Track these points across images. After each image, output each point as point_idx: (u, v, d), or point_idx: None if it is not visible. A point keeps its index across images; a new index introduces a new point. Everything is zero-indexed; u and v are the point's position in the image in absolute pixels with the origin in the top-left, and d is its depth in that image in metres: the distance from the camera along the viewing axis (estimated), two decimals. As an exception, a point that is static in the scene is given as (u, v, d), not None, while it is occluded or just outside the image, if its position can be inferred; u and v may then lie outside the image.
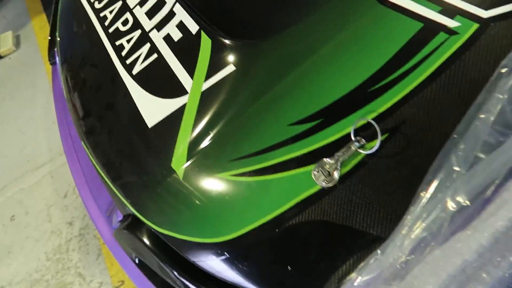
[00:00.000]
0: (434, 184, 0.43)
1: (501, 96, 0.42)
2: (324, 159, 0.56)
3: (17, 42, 2.61)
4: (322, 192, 0.55)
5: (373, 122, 0.53)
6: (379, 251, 0.44)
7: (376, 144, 0.53)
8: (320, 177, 0.56)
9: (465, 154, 0.42)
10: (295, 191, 0.57)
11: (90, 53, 0.99)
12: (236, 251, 0.58)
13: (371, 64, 0.59)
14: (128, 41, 0.88)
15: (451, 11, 0.57)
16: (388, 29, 0.60)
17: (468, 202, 0.41)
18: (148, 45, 0.83)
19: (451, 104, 0.53)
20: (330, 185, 0.55)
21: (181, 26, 0.79)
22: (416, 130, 0.54)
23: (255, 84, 0.66)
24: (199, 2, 0.79)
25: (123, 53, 0.88)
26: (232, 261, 0.59)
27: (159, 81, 0.78)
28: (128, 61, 0.85)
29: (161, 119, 0.74)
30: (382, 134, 0.53)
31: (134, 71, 0.83)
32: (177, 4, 0.80)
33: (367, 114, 0.56)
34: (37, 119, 2.11)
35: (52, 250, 1.44)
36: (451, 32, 0.55)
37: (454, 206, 0.41)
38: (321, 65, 0.62)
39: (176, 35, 0.79)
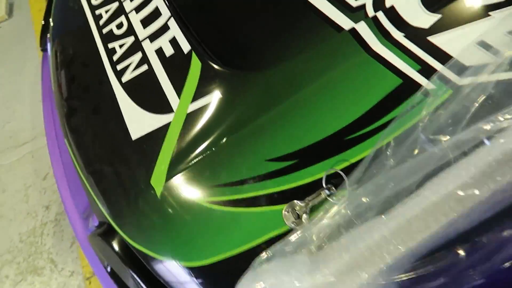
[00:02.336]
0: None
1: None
2: (295, 201, 0.59)
3: (9, 11, 2.55)
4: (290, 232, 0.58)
5: (342, 174, 0.56)
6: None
7: (345, 195, 0.55)
8: (290, 218, 0.59)
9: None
10: (266, 228, 0.60)
11: (82, 50, 0.99)
12: (204, 278, 0.61)
13: (350, 112, 0.61)
14: (120, 46, 0.89)
15: (429, 72, 0.59)
16: (370, 79, 0.63)
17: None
18: (140, 55, 0.84)
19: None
20: (298, 227, 0.58)
21: (173, 42, 0.80)
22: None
23: (238, 114, 0.68)
24: (194, 20, 0.80)
25: (115, 58, 0.88)
26: (198, 287, 0.62)
27: (147, 94, 0.80)
28: (118, 67, 0.86)
29: (145, 133, 0.75)
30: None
31: (124, 79, 0.84)
32: (172, 19, 0.81)
33: (340, 162, 0.59)
34: (24, 94, 2.09)
35: (26, 232, 1.45)
36: (426, 93, 0.58)
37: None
38: (303, 105, 0.65)
39: (168, 51, 0.80)
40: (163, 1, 0.85)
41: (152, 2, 0.87)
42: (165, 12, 0.83)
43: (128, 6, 0.93)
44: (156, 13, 0.86)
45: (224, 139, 0.68)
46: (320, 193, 0.57)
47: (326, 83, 0.64)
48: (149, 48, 0.83)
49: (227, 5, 0.82)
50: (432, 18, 0.63)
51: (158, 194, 0.70)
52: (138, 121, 0.78)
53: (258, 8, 0.79)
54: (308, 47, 0.68)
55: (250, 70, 0.70)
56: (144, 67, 0.82)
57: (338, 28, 0.67)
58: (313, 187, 0.59)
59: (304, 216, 0.58)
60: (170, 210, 0.69)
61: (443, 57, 0.59)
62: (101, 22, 0.97)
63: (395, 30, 0.64)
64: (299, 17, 0.73)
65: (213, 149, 0.68)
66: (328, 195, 0.57)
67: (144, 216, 0.70)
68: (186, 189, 0.68)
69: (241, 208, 0.62)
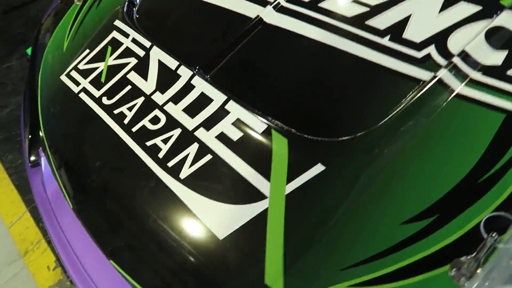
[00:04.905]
0: None
1: None
2: (461, 258, 0.54)
3: None
4: (465, 293, 0.53)
5: (507, 214, 0.54)
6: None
7: (510, 234, 0.53)
8: (460, 278, 0.54)
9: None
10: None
11: (107, 154, 0.88)
12: None
13: (470, 155, 0.61)
14: (165, 142, 0.81)
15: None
16: (472, 121, 0.64)
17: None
18: (196, 145, 0.77)
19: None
20: (470, 286, 0.53)
21: (238, 124, 0.74)
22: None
23: (351, 183, 0.64)
24: (254, 97, 0.77)
25: (161, 155, 0.79)
26: None
27: (222, 185, 0.72)
28: (170, 164, 0.77)
29: (236, 227, 0.66)
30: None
31: (182, 175, 0.75)
32: (231, 102, 0.76)
33: (486, 204, 0.57)
34: None
35: None
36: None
37: None
38: (418, 156, 0.63)
39: (234, 134, 0.74)
40: (210, 87, 0.80)
41: (194, 90, 0.82)
42: (218, 97, 0.78)
43: (160, 98, 0.86)
44: (203, 99, 0.80)
45: (345, 213, 0.62)
46: (486, 243, 0.54)
47: (430, 133, 0.64)
48: (207, 136, 0.76)
49: (282, 75, 0.80)
50: (501, 55, 0.67)
51: (280, 293, 0.60)
52: (220, 217, 0.69)
53: (309, 72, 0.79)
54: (394, 103, 0.68)
55: (344, 135, 0.67)
56: (208, 157, 0.74)
57: (417, 80, 0.69)
58: (466, 239, 0.56)
59: (479, 271, 0.53)
60: (302, 309, 0.60)
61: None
62: (127, 121, 0.88)
63: (474, 71, 0.67)
64: (366, 76, 0.74)
65: (335, 226, 0.61)
66: (495, 242, 0.54)
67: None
68: (315, 279, 0.60)
69: (393, 284, 0.56)
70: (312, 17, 0.83)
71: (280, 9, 0.88)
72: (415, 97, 0.67)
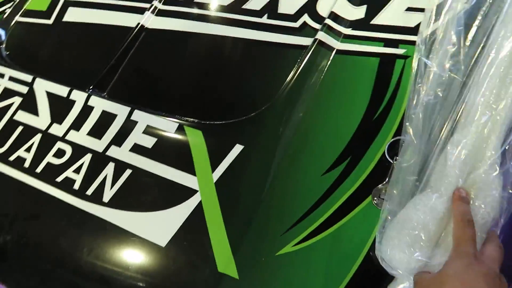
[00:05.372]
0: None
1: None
2: (378, 186, 0.61)
3: None
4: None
5: (402, 137, 0.61)
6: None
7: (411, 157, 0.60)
8: (383, 203, 0.60)
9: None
10: (369, 223, 0.60)
11: (16, 206, 0.80)
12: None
13: (361, 97, 0.68)
14: (76, 171, 0.76)
15: (392, 43, 0.72)
16: (355, 71, 0.72)
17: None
18: (111, 165, 0.74)
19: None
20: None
21: (150, 131, 0.73)
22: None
23: (270, 153, 0.67)
24: (162, 101, 0.77)
25: (76, 186, 0.75)
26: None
27: (150, 194, 0.71)
28: (89, 192, 0.73)
29: (176, 229, 0.66)
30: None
31: (106, 198, 0.72)
32: (136, 111, 0.75)
33: (384, 136, 0.65)
34: None
35: None
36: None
37: None
38: (319, 111, 0.69)
39: (148, 142, 0.73)
40: (110, 103, 0.78)
41: (94, 111, 0.78)
42: (121, 111, 0.76)
43: (58, 130, 0.80)
44: (106, 117, 0.78)
45: (270, 183, 0.66)
46: (393, 166, 0.61)
47: (325, 89, 0.71)
48: (120, 152, 0.74)
49: (178, 73, 0.81)
50: (362, 10, 0.77)
51: (236, 275, 0.62)
52: (157, 226, 0.68)
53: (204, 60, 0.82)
54: (288, 70, 0.73)
55: (252, 112, 0.70)
56: (127, 172, 0.72)
57: (302, 47, 0.75)
58: (379, 168, 0.63)
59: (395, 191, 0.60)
60: (259, 282, 0.62)
61: (391, 28, 0.73)
62: (28, 164, 0.80)
63: (345, 28, 0.75)
64: (256, 54, 0.78)
65: (268, 195, 0.65)
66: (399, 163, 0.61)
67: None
68: (265, 251, 0.63)
69: (334, 226, 0.61)
70: (191, 13, 0.85)
71: (158, 12, 0.89)
72: (304, 61, 0.73)
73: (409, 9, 0.74)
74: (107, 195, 0.72)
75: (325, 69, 0.72)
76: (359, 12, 0.77)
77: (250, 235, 0.64)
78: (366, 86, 0.69)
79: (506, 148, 0.53)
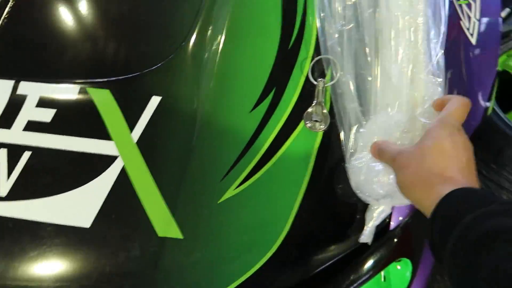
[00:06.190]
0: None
1: None
2: (307, 111, 0.60)
3: None
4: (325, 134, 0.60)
5: (323, 57, 0.61)
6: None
7: (336, 74, 0.60)
8: (315, 124, 0.60)
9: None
10: (307, 149, 0.58)
11: None
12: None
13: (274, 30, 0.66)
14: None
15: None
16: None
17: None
18: (3, 151, 0.61)
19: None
20: (325, 126, 0.60)
21: (45, 101, 0.62)
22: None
23: (191, 98, 0.62)
24: (53, 66, 0.65)
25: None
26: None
27: (61, 173, 0.60)
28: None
29: (100, 206, 0.57)
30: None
31: (3, 193, 0.59)
32: (22, 83, 0.63)
33: (305, 61, 0.64)
34: None
35: None
36: None
37: None
38: (235, 49, 0.65)
39: (44, 115, 0.62)
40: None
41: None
42: (3, 85, 0.63)
43: None
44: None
45: (197, 131, 0.60)
46: (319, 87, 0.61)
47: (236, 24, 0.67)
48: (12, 134, 0.62)
49: (66, 33, 0.69)
50: None
51: (179, 235, 0.56)
52: (76, 206, 0.58)
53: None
54: (190, 19, 0.68)
55: (163, 60, 0.63)
56: (26, 155, 0.60)
57: None
58: (305, 93, 0.62)
59: (324, 111, 0.60)
60: (206, 235, 0.57)
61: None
62: None
63: None
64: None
65: (195, 147, 0.59)
66: (326, 84, 0.61)
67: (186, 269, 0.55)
68: (205, 203, 0.58)
69: (274, 158, 0.59)
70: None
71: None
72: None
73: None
74: (4, 188, 0.59)
75: (231, 3, 0.68)
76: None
77: (187, 190, 0.58)
78: (276, 15, 0.67)
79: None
